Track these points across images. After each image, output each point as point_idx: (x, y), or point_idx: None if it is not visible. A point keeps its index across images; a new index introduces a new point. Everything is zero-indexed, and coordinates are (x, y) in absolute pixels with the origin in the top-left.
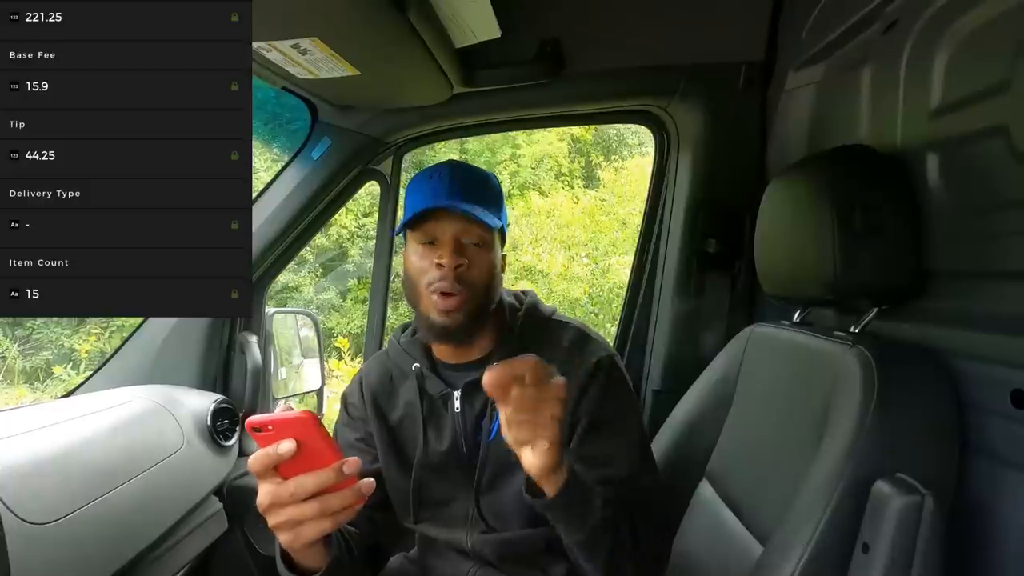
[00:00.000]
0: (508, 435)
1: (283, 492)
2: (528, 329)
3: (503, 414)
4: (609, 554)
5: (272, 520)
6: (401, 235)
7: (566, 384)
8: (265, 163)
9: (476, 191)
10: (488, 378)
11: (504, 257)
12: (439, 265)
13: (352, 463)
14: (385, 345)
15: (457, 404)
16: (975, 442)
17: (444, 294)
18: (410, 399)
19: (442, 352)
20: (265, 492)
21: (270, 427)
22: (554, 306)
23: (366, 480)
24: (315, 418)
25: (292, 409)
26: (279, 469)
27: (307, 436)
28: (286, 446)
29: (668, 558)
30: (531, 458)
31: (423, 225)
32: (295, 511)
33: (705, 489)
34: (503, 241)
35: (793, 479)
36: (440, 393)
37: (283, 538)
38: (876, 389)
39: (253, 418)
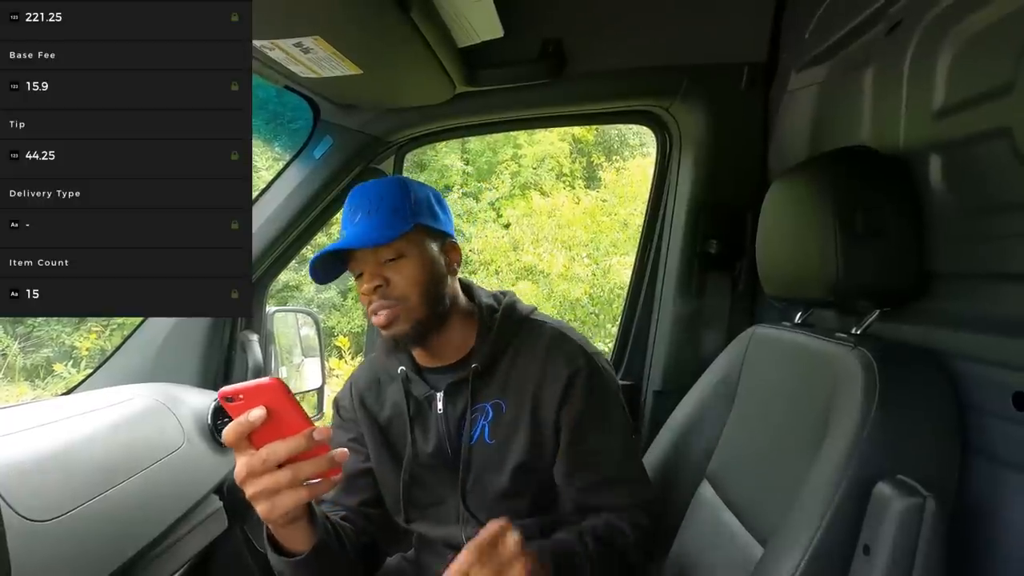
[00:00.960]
0: None
1: (256, 461)
2: (505, 329)
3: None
4: None
5: (249, 491)
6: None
7: (520, 539)
8: (267, 162)
9: (375, 210)
10: None
11: (451, 246)
12: (364, 294)
13: (322, 431)
14: None
15: (440, 405)
16: (976, 444)
17: (377, 315)
18: (397, 400)
19: (420, 357)
20: (241, 464)
21: (241, 396)
22: (533, 305)
23: (339, 450)
24: (283, 385)
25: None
26: (253, 440)
27: (277, 403)
28: (256, 413)
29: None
30: None
31: (349, 264)
32: (269, 480)
33: (705, 490)
34: (439, 232)
35: (794, 481)
36: (424, 395)
37: (261, 509)
38: (878, 391)
39: (224, 388)
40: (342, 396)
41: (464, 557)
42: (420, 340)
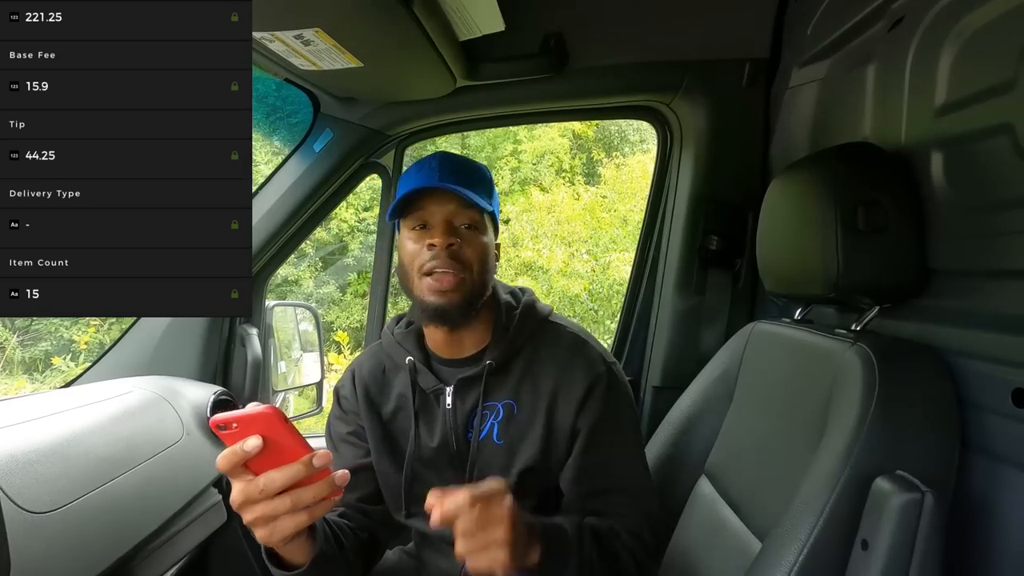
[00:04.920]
0: (459, 548)
1: (253, 489)
2: (523, 329)
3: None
4: None
5: (246, 517)
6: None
7: (514, 503)
8: (266, 156)
9: (465, 176)
10: (436, 515)
11: (498, 246)
12: (431, 246)
13: (322, 456)
14: None
15: (449, 400)
16: (975, 440)
17: (438, 274)
18: (403, 392)
19: (437, 345)
20: (237, 490)
21: (234, 424)
22: (551, 306)
23: (340, 472)
24: (279, 413)
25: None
26: (249, 465)
27: (273, 431)
28: (251, 443)
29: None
30: (483, 570)
31: (414, 211)
32: (267, 507)
33: (704, 485)
34: (496, 229)
35: (792, 476)
36: (432, 388)
37: (259, 534)
38: (877, 387)
39: (217, 416)
40: (343, 385)
41: (459, 500)
42: (463, 317)
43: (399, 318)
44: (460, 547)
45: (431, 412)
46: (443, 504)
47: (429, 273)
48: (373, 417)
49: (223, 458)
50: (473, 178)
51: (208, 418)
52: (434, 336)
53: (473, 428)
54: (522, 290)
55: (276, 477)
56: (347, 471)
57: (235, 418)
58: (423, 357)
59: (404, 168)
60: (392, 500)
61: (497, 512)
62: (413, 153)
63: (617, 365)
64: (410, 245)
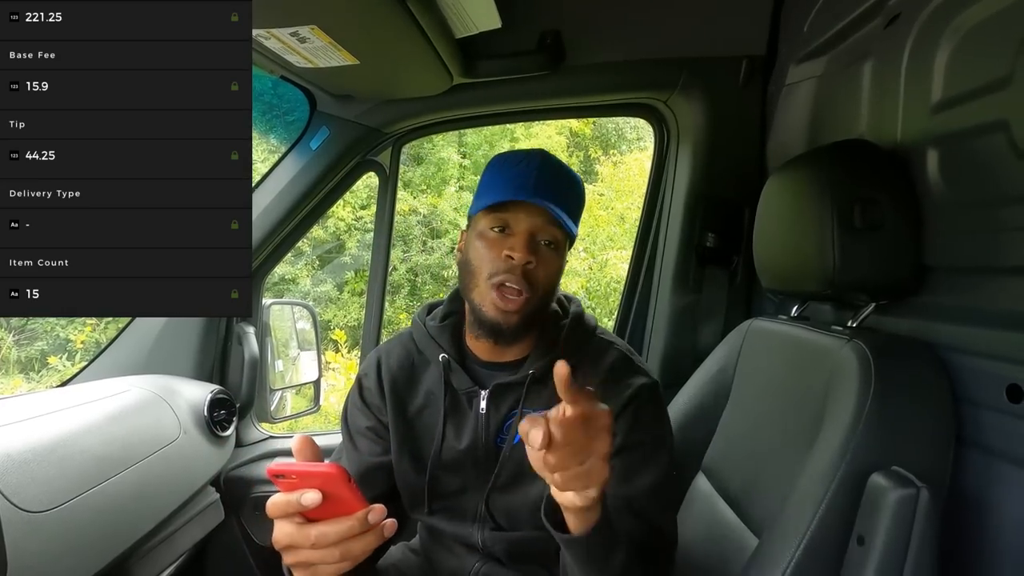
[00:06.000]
0: (553, 479)
1: (303, 538)
2: (570, 341)
3: (545, 459)
4: None
5: (288, 559)
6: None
7: (609, 411)
8: (262, 154)
9: (562, 189)
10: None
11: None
12: (509, 257)
13: (378, 512)
14: (385, 336)
15: (483, 405)
16: (970, 436)
17: (506, 290)
18: (432, 389)
19: (477, 346)
20: (284, 533)
21: (293, 476)
22: (595, 319)
23: (389, 521)
24: (343, 473)
25: (317, 446)
26: (302, 512)
27: (333, 488)
28: (310, 497)
29: None
30: (572, 499)
31: (498, 210)
32: (314, 555)
33: (701, 482)
34: (569, 248)
35: (789, 473)
36: (466, 390)
37: (298, 574)
38: (873, 383)
39: (275, 464)
40: (367, 374)
41: (558, 415)
42: (516, 337)
43: (431, 308)
44: (555, 464)
45: (461, 413)
46: (540, 424)
47: (498, 286)
48: (398, 412)
49: (275, 505)
50: (569, 192)
51: (205, 416)
52: (477, 339)
53: (505, 434)
54: (568, 298)
55: (329, 532)
56: (394, 521)
57: (295, 471)
58: (458, 355)
59: (401, 166)
60: (412, 498)
61: (601, 423)
62: (410, 150)
63: (660, 387)
64: (484, 248)
